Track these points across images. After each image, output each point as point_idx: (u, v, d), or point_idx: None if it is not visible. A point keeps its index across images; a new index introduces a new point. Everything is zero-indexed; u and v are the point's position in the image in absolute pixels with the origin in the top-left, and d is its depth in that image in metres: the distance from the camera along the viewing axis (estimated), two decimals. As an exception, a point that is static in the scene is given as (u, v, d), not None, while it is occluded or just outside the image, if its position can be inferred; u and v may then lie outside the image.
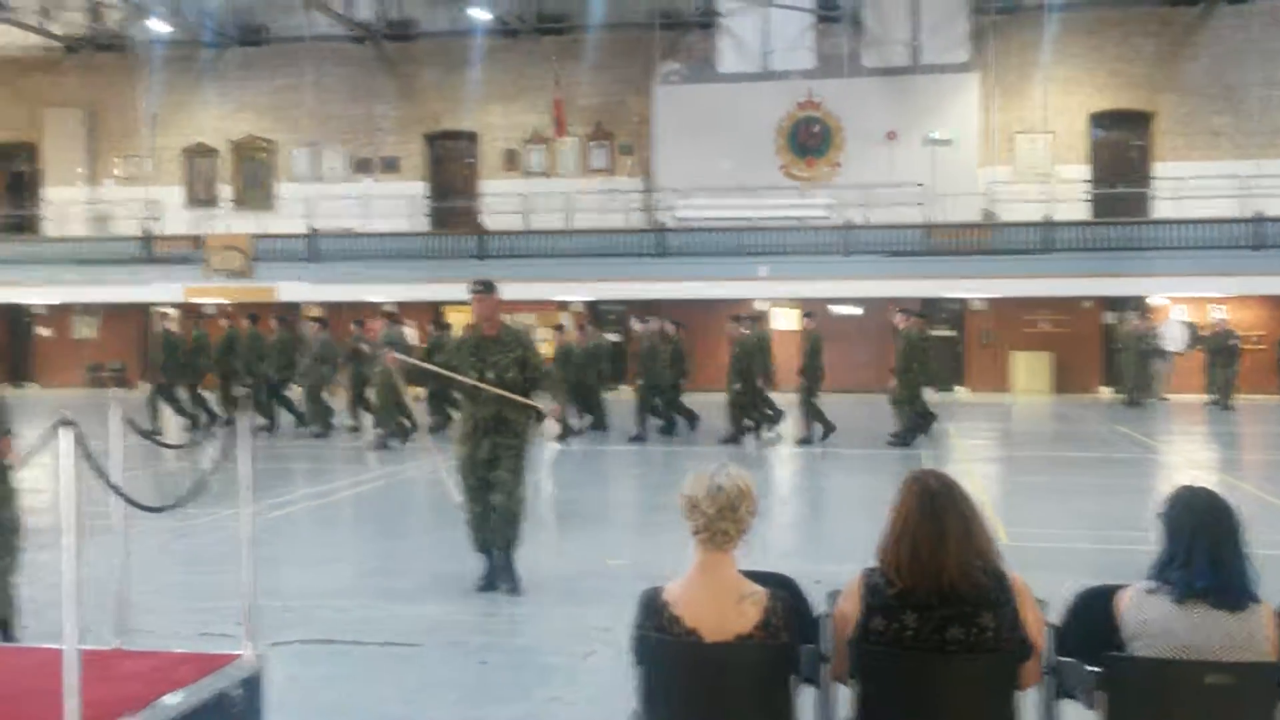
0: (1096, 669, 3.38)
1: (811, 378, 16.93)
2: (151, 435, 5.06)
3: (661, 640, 3.39)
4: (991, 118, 27.91)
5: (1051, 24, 27.87)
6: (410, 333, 20.83)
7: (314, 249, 28.39)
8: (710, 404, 18.62)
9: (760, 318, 19.17)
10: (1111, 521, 10.79)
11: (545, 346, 18.94)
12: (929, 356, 17.45)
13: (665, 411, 18.19)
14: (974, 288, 26.42)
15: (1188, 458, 16.25)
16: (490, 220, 28.72)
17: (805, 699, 3.52)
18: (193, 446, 15.24)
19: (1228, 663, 3.29)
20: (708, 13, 29.32)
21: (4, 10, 30.47)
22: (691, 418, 18.39)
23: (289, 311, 23.87)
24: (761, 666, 3.41)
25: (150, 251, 29.35)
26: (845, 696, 3.48)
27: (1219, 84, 27.44)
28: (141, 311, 29.05)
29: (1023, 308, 27.05)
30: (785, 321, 26.14)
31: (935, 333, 27.08)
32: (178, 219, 30.96)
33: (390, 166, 31.35)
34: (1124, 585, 3.58)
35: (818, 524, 11.58)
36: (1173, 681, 3.32)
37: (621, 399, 19.93)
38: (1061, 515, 11.21)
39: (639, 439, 17.29)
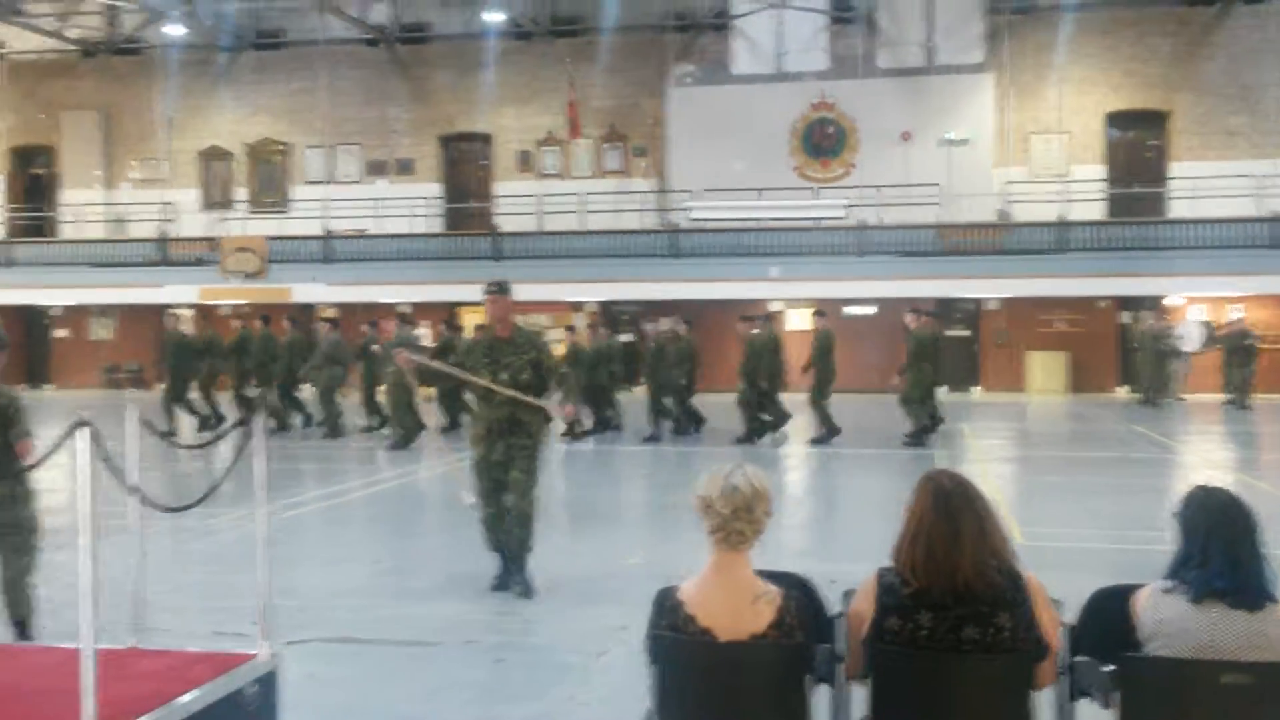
0: (1112, 669, 3.37)
1: (822, 378, 16.91)
2: (167, 436, 5.07)
3: (676, 640, 3.39)
4: (1006, 118, 27.84)
5: (1066, 24, 27.80)
6: (425, 334, 20.87)
7: (329, 250, 28.45)
8: (724, 404, 18.57)
9: (771, 318, 19.12)
10: (1128, 521, 10.76)
11: (557, 347, 18.95)
12: (939, 356, 17.39)
13: (677, 411, 18.16)
14: (989, 288, 26.35)
15: (1204, 457, 16.18)
16: (504, 222, 28.73)
17: (820, 699, 3.52)
18: (207, 447, 15.26)
19: (1245, 662, 3.27)
20: (721, 14, 29.28)
21: (21, 15, 30.64)
22: (697, 421, 18.31)
23: (303, 313, 23.93)
24: (776, 666, 3.41)
25: (166, 253, 29.45)
26: (860, 696, 3.47)
27: (1235, 84, 27.33)
28: (158, 313, 29.12)
29: (1038, 307, 26.97)
30: (799, 321, 26.11)
31: (950, 333, 27.14)
32: (193, 221, 31.05)
33: (405, 168, 31.42)
34: (1140, 585, 3.57)
35: (833, 524, 11.56)
36: (1189, 681, 3.31)
37: (636, 399, 19.90)
38: (1077, 515, 11.18)
39: (653, 439, 17.29)
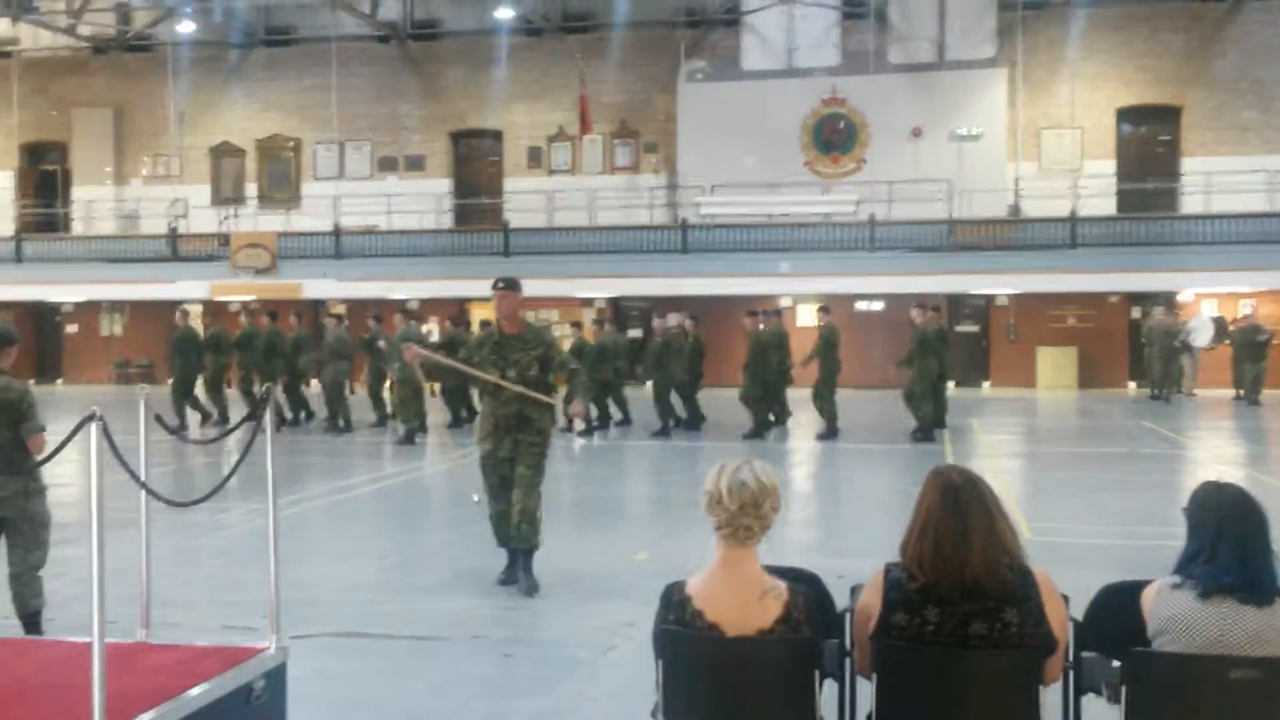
0: (1120, 664, 3.37)
1: (827, 373, 16.90)
2: (178, 431, 5.09)
3: (683, 635, 3.40)
4: (1018, 113, 27.77)
5: (1079, 19, 27.75)
6: (435, 330, 20.89)
7: (339, 246, 28.50)
8: (734, 400, 18.55)
9: (779, 313, 19.08)
10: (1136, 517, 10.73)
11: (563, 343, 18.93)
12: (945, 351, 17.34)
13: (682, 406, 18.12)
14: (1000, 283, 26.28)
15: (1214, 453, 16.12)
16: (514, 218, 28.73)
17: (827, 694, 3.51)
18: (216, 442, 15.31)
19: (1253, 658, 3.26)
20: (732, 10, 29.28)
21: (34, 13, 30.73)
22: (697, 420, 18.27)
23: (312, 309, 23.98)
24: (783, 661, 3.41)
25: (177, 249, 29.53)
26: (868, 692, 3.47)
27: (1248, 78, 27.25)
28: (168, 309, 29.18)
29: (1048, 303, 26.92)
30: (809, 317, 26.09)
31: (960, 328, 27.13)
32: (204, 217, 31.11)
33: (415, 165, 31.45)
34: (1149, 581, 3.56)
35: (840, 519, 11.55)
36: (1197, 677, 3.30)
37: (644, 395, 19.90)
38: (1086, 510, 11.15)
39: (662, 434, 17.29)
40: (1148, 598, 3.49)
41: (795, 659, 3.39)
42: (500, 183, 30.94)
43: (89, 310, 31.69)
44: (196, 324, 19.55)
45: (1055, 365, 26.98)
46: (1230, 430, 19.36)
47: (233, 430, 5.44)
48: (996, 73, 27.76)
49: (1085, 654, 3.61)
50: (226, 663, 4.20)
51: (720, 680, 3.41)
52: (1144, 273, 24.79)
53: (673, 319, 18.81)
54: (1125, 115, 28.19)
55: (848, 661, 3.66)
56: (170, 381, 18.94)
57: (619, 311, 28.71)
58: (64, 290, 30.28)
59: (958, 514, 3.32)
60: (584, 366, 17.36)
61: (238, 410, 19.00)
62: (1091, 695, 3.61)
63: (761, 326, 17.16)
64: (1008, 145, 27.64)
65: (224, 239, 29.33)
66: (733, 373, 18.71)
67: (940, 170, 26.94)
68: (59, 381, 31.17)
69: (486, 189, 31.07)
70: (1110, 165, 27.84)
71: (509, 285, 7.79)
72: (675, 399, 17.89)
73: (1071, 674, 3.62)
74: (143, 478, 4.33)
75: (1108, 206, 26.96)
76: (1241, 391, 23.27)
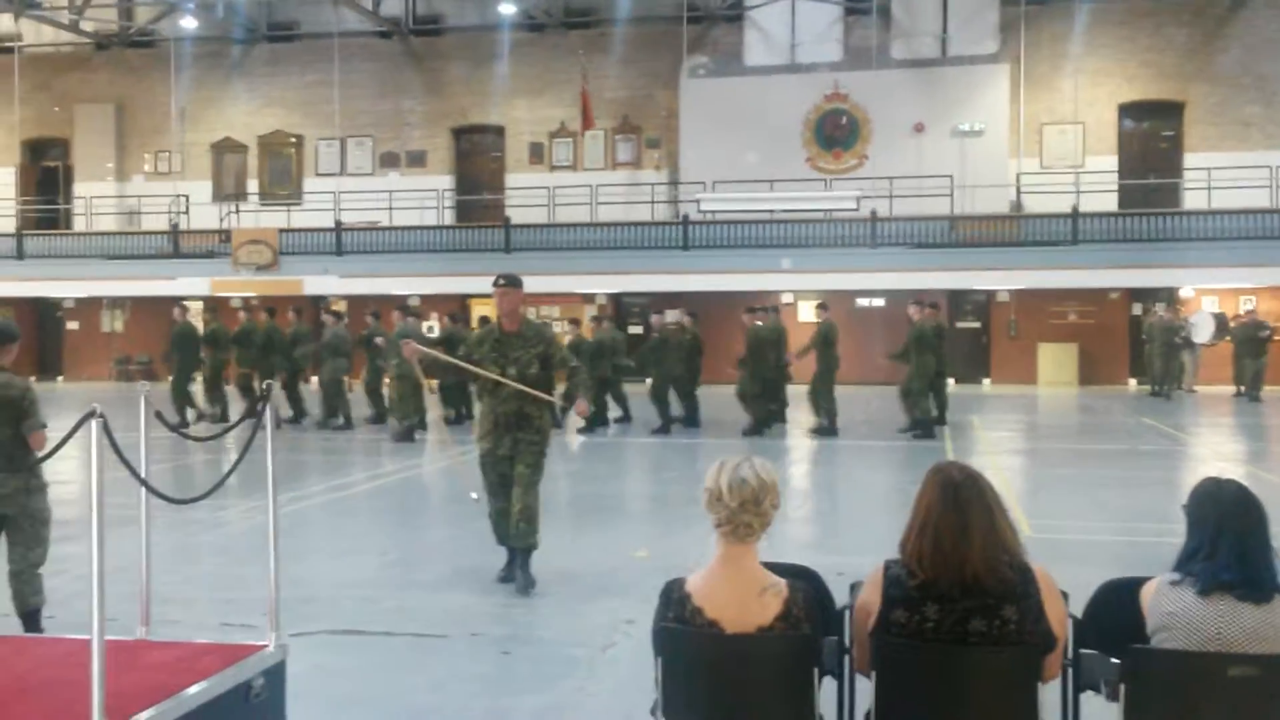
0: (1119, 661, 3.36)
1: (824, 370, 16.89)
2: (178, 429, 5.09)
3: (683, 632, 3.39)
4: (1020, 109, 27.76)
5: (1082, 15, 27.74)
6: (436, 327, 20.89)
7: (340, 243, 28.50)
8: (734, 397, 18.56)
9: (776, 309, 19.05)
10: (1137, 514, 10.73)
11: (561, 340, 18.89)
12: (942, 349, 17.32)
13: (680, 403, 18.11)
14: (1001, 279, 26.28)
15: (1215, 450, 16.12)
16: (516, 214, 28.74)
17: (827, 691, 3.51)
18: (216, 439, 15.33)
19: (1252, 655, 3.26)
20: (735, 6, 29.28)
21: (36, 9, 30.74)
22: (695, 416, 18.24)
23: (312, 305, 23.98)
24: (783, 658, 3.40)
25: (178, 246, 29.55)
26: (867, 689, 3.47)
27: (1251, 74, 27.23)
28: (169, 305, 29.20)
29: (1049, 299, 26.92)
30: (810, 314, 26.09)
31: (961, 324, 27.13)
32: (206, 213, 31.13)
33: (417, 160, 31.46)
34: (1148, 578, 3.56)
35: (839, 516, 11.54)
36: (1196, 674, 3.30)
37: (644, 392, 19.89)
38: (1087, 507, 11.15)
39: (662, 431, 17.28)
40: (1147, 595, 3.49)
41: (795, 656, 3.39)
42: (502, 178, 30.94)
43: (90, 307, 31.72)
44: (195, 320, 19.52)
45: (1056, 361, 26.98)
46: (1230, 427, 19.36)
47: (233, 428, 5.45)
48: (999, 68, 27.74)
49: (1084, 651, 3.60)
50: (226, 660, 4.20)
51: (720, 677, 3.41)
52: (1145, 269, 24.79)
53: (670, 315, 18.81)
54: (1127, 111, 28.18)
55: (847, 659, 3.65)
56: (171, 378, 18.92)
57: (620, 308, 28.72)
58: (65, 287, 30.32)
59: (958, 511, 3.31)
60: (583, 363, 17.42)
61: (236, 407, 19.05)
62: (1090, 692, 3.60)
63: (759, 323, 17.16)
64: (1010, 141, 27.62)
65: (225, 235, 29.35)
66: (725, 369, 18.66)
67: (942, 166, 26.93)
68: (60, 378, 31.20)
69: (488, 185, 31.09)
70: (1112, 161, 27.83)
71: (510, 282, 7.77)
72: (673, 396, 17.88)
73: (1070, 671, 3.61)
74: (143, 475, 4.33)
75: (1109, 202, 26.93)
76: (1242, 388, 23.28)
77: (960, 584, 3.27)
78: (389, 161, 31.57)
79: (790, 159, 28.20)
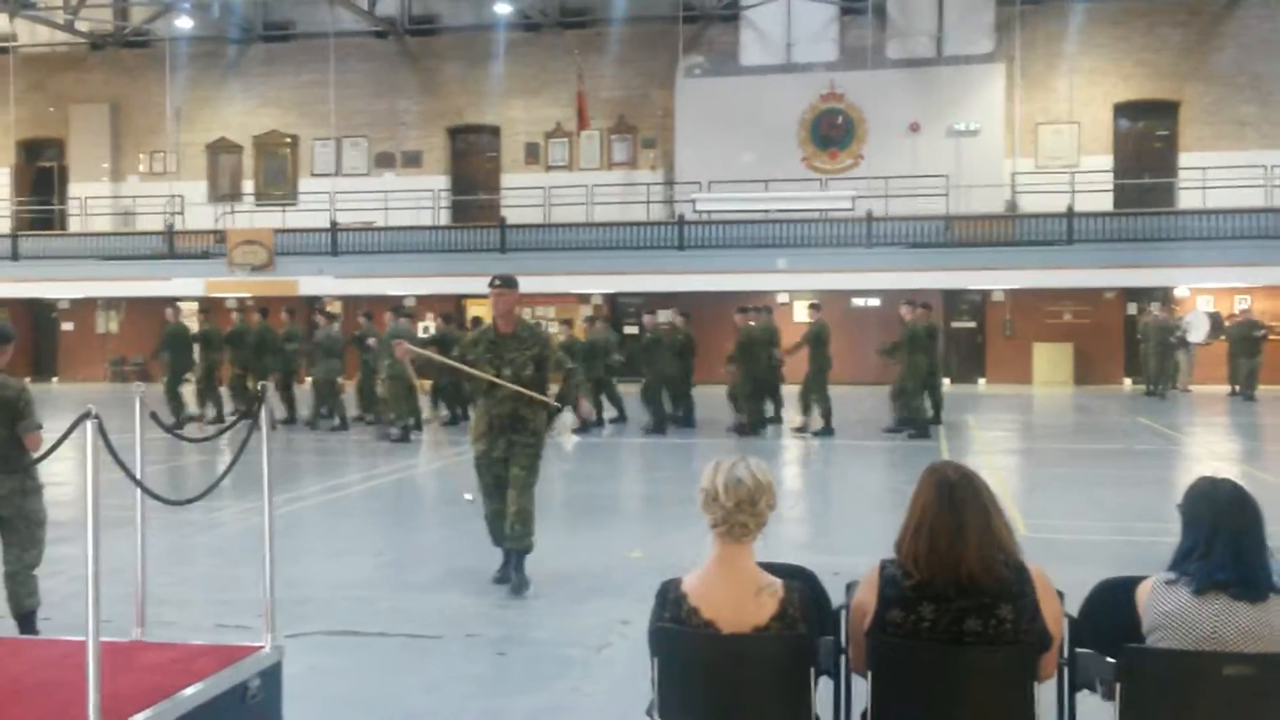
0: (1114, 660, 3.37)
1: (816, 370, 16.90)
2: (173, 430, 5.08)
3: (679, 632, 3.39)
4: (1015, 109, 27.78)
5: (1077, 14, 27.77)
6: (432, 328, 20.87)
7: (336, 243, 28.48)
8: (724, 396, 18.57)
9: (768, 309, 19.04)
10: (1133, 513, 10.74)
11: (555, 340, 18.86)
12: (934, 349, 17.33)
13: (673, 403, 18.09)
14: (997, 279, 26.29)
15: (1210, 449, 16.14)
16: (511, 214, 28.73)
17: (823, 691, 3.51)
18: (211, 440, 15.32)
19: (1247, 654, 3.26)
20: (731, 5, 29.29)
21: (31, 8, 30.69)
22: (682, 417, 18.23)
23: (307, 305, 23.96)
24: (779, 658, 3.40)
25: (173, 246, 29.51)
26: (863, 689, 3.47)
27: (1246, 74, 27.27)
28: (165, 306, 29.20)
29: (1044, 299, 26.94)
30: (805, 314, 26.09)
31: (956, 324, 27.14)
32: (201, 214, 31.11)
33: (412, 161, 31.45)
34: (1144, 577, 3.56)
35: (835, 516, 11.55)
36: (1191, 673, 3.30)
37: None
38: (1082, 506, 11.15)
39: (656, 430, 17.27)
40: (1142, 594, 3.49)
41: (791, 656, 3.39)
42: (497, 179, 30.93)
43: (85, 307, 31.67)
44: (189, 320, 19.50)
45: (1051, 361, 27.00)
46: (1225, 426, 19.38)
47: (228, 429, 5.44)
48: (994, 68, 27.76)
49: (1080, 650, 3.60)
50: (221, 661, 4.20)
51: (716, 678, 3.41)
52: (1140, 268, 24.81)
53: (662, 315, 18.82)
54: (1123, 110, 28.21)
55: (843, 658, 3.65)
56: (165, 379, 18.90)
57: (616, 308, 28.72)
58: (60, 287, 30.26)
59: (953, 510, 3.31)
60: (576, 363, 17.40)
61: (229, 407, 19.04)
62: (1086, 691, 3.61)
63: (752, 323, 17.16)
64: (1005, 140, 27.64)
65: (220, 236, 29.31)
66: (720, 369, 18.70)
67: (938, 166, 26.94)
68: (55, 379, 31.16)
69: (484, 185, 31.08)
70: (1108, 160, 27.86)
71: (506, 283, 7.76)
72: (665, 396, 17.88)
73: (1066, 670, 3.62)
74: (138, 476, 4.32)
75: (1104, 202, 26.95)
76: (1237, 387, 23.30)
77: (956, 583, 3.28)
78: (384, 161, 31.55)
79: (786, 159, 28.21)
